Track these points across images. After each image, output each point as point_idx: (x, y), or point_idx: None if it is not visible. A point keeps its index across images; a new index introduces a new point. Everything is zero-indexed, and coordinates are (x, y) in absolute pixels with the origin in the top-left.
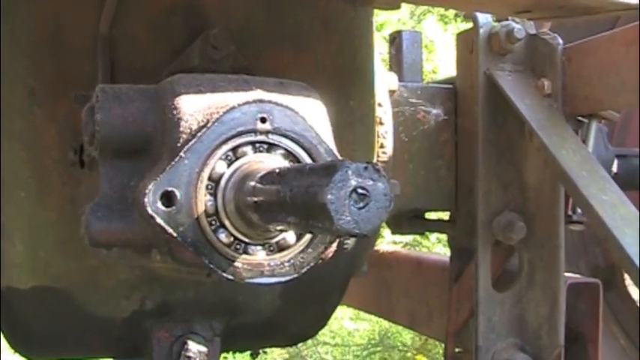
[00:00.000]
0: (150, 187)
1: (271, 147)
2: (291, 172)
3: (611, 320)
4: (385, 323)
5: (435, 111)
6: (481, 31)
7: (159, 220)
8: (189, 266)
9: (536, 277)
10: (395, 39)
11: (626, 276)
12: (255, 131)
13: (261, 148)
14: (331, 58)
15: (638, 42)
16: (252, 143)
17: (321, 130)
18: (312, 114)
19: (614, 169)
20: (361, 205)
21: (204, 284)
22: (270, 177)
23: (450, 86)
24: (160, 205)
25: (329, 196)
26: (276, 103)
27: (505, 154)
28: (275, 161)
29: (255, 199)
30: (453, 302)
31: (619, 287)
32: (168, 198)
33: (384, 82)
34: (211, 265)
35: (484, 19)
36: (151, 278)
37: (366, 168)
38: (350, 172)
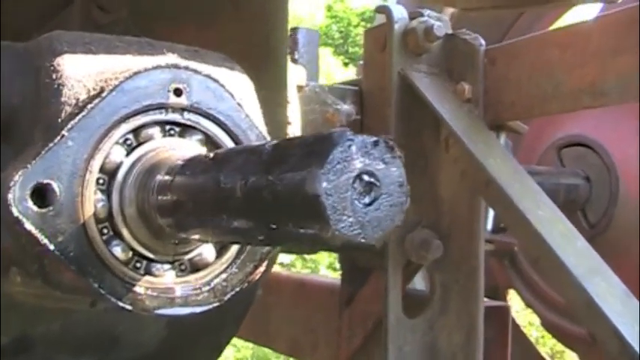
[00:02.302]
0: (16, 177)
1: (185, 130)
2: (239, 154)
3: None
4: (259, 349)
5: (345, 107)
6: (396, 26)
7: (28, 226)
8: (69, 292)
9: (451, 302)
10: (291, 36)
11: (509, 297)
12: (165, 107)
13: (172, 131)
14: (240, 38)
15: (573, 44)
16: (161, 123)
17: (251, 111)
18: (239, 90)
19: None
20: (367, 200)
21: (74, 313)
22: (197, 165)
23: (356, 88)
24: (30, 203)
25: (324, 185)
26: (195, 71)
27: (418, 164)
28: (192, 149)
29: (174, 197)
30: (344, 329)
31: None
32: (42, 194)
33: (292, 75)
34: (102, 290)
35: (399, 13)
36: (6, 306)
37: (376, 143)
38: (354, 147)
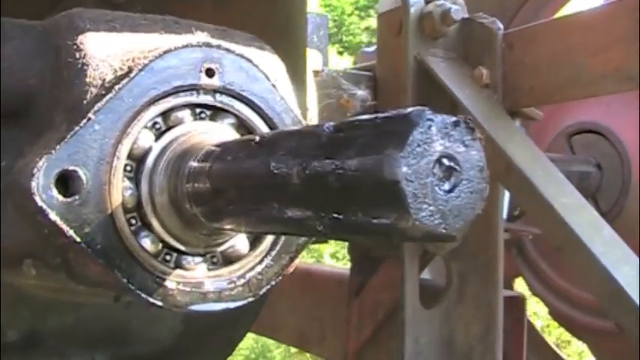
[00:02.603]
0: (40, 164)
1: (217, 113)
2: (290, 137)
3: None
4: (260, 339)
5: (360, 92)
6: (412, 10)
7: (53, 216)
8: (94, 286)
9: (468, 292)
10: None
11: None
12: (197, 88)
13: (202, 114)
14: (259, 18)
15: (596, 28)
16: (192, 106)
17: (285, 93)
18: (272, 70)
19: None
20: (447, 186)
21: (87, 306)
22: (240, 150)
23: (369, 73)
24: (54, 192)
25: (404, 169)
26: (228, 50)
27: None
28: (225, 134)
29: (212, 184)
30: (353, 319)
31: None
32: (67, 182)
33: (308, 60)
34: (131, 286)
35: None
36: (15, 299)
37: (456, 124)
38: (434, 128)
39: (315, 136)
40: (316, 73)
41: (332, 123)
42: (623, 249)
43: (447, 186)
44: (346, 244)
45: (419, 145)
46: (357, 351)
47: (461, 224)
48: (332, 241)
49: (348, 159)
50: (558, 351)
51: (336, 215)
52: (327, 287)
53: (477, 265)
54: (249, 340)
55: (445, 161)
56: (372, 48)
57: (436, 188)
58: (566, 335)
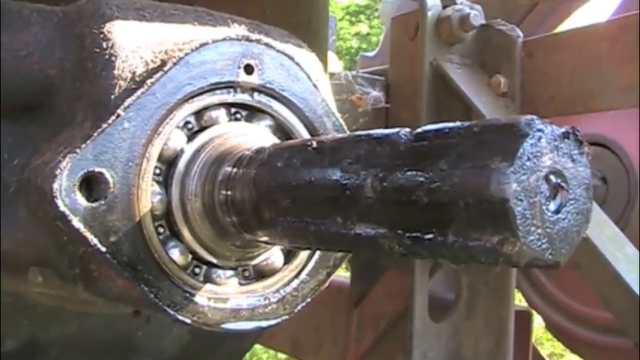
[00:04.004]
0: (63, 164)
1: (253, 113)
2: (356, 144)
3: None
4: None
5: (375, 93)
6: (429, 14)
7: (75, 223)
8: (117, 300)
9: (478, 305)
10: None
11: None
12: (234, 86)
13: (238, 115)
14: (283, 15)
15: (624, 37)
16: (228, 105)
17: (326, 95)
18: (313, 70)
19: None
20: (553, 206)
21: (92, 316)
22: (293, 156)
23: (381, 78)
24: (78, 196)
25: (514, 187)
26: (268, 45)
27: None
28: (263, 137)
29: (259, 193)
30: (353, 329)
31: None
32: (92, 185)
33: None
34: (159, 302)
35: (432, 0)
36: (16, 307)
37: (565, 135)
38: (544, 140)
39: (389, 143)
40: (332, 75)
41: (407, 129)
42: None
43: (552, 206)
44: None
45: (529, 159)
46: None
47: (567, 249)
48: None
49: (441, 171)
50: None
51: (418, 234)
52: (324, 294)
53: (488, 278)
54: None
55: (552, 178)
56: (373, 53)
57: (544, 208)
58: (559, 348)
